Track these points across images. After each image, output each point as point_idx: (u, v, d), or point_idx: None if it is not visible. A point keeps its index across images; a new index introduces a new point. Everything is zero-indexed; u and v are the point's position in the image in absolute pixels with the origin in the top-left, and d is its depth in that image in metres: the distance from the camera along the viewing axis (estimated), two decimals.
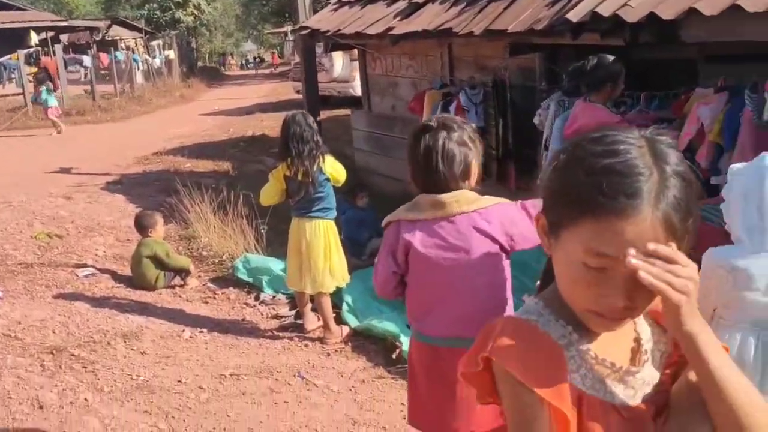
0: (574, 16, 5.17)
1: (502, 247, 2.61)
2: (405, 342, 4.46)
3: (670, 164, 1.17)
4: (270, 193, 4.77)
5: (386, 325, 4.67)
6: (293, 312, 5.24)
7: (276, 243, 6.39)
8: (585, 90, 4.81)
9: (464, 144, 2.58)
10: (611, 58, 4.70)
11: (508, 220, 2.62)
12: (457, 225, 2.58)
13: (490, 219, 2.59)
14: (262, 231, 6.47)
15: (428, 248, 2.59)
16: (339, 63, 16.49)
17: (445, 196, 2.57)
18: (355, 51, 13.61)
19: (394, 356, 4.36)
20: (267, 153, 11.78)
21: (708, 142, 4.63)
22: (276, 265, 5.90)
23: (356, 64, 15.12)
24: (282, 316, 5.25)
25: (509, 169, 6.67)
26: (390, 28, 7.23)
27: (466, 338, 2.45)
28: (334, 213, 4.81)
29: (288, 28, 29.89)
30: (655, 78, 6.80)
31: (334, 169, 4.72)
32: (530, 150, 6.64)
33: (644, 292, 1.16)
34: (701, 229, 3.58)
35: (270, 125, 14.48)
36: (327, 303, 4.76)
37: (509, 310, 2.67)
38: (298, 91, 17.09)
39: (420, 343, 2.71)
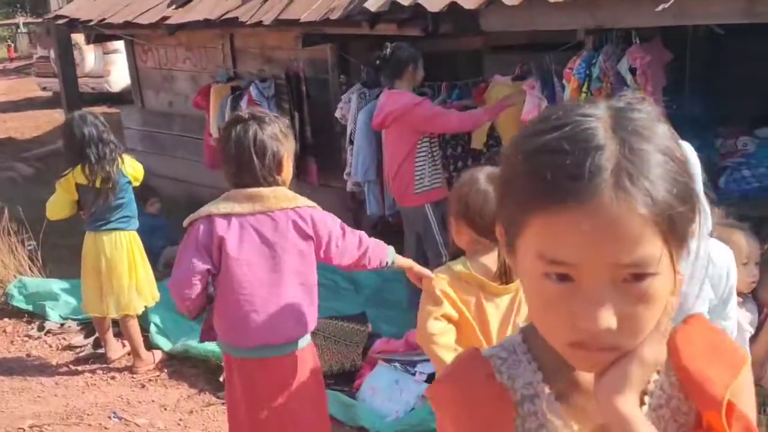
0: (373, 5, 5.05)
1: (316, 250, 2.61)
2: None
3: (641, 134, 0.85)
4: (59, 206, 4.11)
5: (205, 344, 4.23)
6: (90, 340, 4.60)
7: (53, 261, 5.61)
8: (387, 78, 4.71)
9: (276, 138, 2.54)
10: (406, 44, 4.67)
11: (323, 224, 2.61)
12: (276, 221, 2.52)
13: (308, 219, 2.58)
14: (30, 248, 5.64)
15: (246, 244, 2.51)
16: (91, 57, 15.07)
17: (264, 190, 2.51)
18: (109, 44, 12.66)
19: (221, 379, 3.95)
20: (17, 158, 10.47)
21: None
22: (58, 286, 5.17)
23: (111, 57, 14.07)
24: (76, 347, 4.59)
25: (310, 164, 6.43)
26: (166, 17, 6.66)
27: (280, 344, 2.55)
28: (137, 222, 4.26)
29: (21, 19, 27.01)
30: (444, 70, 6.92)
31: (134, 169, 4.19)
32: (331, 144, 6.47)
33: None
34: None
35: (15, 126, 12.94)
36: (135, 326, 4.23)
37: (314, 313, 2.68)
38: (44, 88, 15.45)
39: (237, 358, 2.59)
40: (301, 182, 6.55)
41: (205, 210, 2.55)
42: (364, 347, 4.12)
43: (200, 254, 2.49)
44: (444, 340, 2.14)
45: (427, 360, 3.71)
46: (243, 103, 6.30)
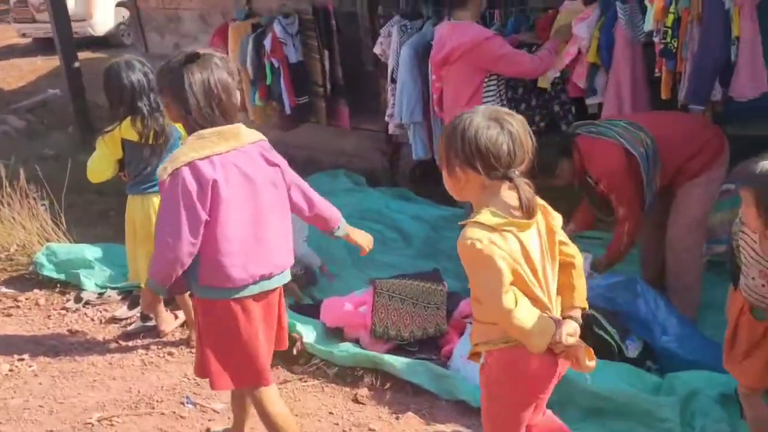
0: None
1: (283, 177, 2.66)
2: (305, 332, 3.71)
3: None
4: (103, 166, 3.63)
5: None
6: (136, 311, 4.20)
7: (78, 224, 5.15)
8: (449, 5, 4.21)
9: (233, 75, 2.54)
10: None
11: (278, 155, 2.66)
12: (249, 155, 2.55)
13: (269, 148, 2.63)
14: (43, 207, 5.16)
15: (231, 183, 2.48)
16: None
17: (233, 127, 2.53)
18: None
19: (295, 351, 3.59)
20: (7, 111, 9.86)
21: (586, 62, 4.31)
22: (91, 253, 4.73)
23: None
24: (121, 319, 4.19)
25: (341, 106, 5.96)
26: None
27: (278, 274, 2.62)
28: None
29: None
30: None
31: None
32: (363, 84, 5.99)
33: None
34: (596, 143, 3.15)
35: None
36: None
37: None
38: (23, 35, 14.64)
39: (236, 300, 2.55)
40: (331, 127, 6.13)
41: (183, 157, 2.45)
42: (447, 309, 3.75)
43: (193, 208, 2.42)
44: (522, 311, 2.07)
45: None
46: (267, 42, 5.79)
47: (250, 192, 2.52)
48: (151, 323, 4.00)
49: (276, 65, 5.83)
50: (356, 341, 3.76)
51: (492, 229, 2.03)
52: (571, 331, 2.15)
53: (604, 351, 3.24)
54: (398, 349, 3.65)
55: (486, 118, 2.07)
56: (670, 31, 3.98)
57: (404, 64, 5.04)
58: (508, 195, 2.09)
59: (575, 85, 4.45)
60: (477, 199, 2.13)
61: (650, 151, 3.51)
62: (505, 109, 2.14)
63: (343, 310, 3.79)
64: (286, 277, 2.70)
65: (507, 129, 2.04)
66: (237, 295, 2.53)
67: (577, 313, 2.23)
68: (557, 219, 2.21)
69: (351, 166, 6.46)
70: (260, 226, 2.55)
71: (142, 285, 3.85)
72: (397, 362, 3.46)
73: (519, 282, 2.08)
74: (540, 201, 2.16)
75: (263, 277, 2.56)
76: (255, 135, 2.61)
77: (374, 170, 6.26)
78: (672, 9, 3.94)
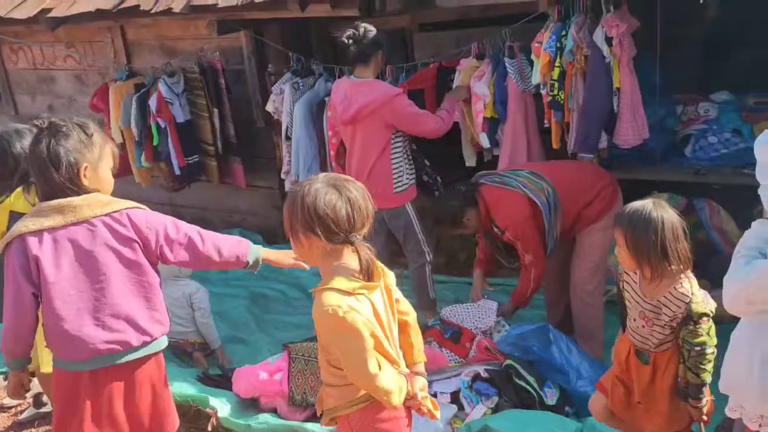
0: None
1: (146, 251, 2.56)
2: (219, 406, 3.54)
3: None
4: None
5: (182, 387, 3.65)
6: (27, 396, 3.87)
7: None
8: (353, 62, 4.21)
9: (74, 149, 2.47)
10: (367, 26, 4.20)
11: (145, 223, 2.55)
12: (93, 230, 2.48)
13: (126, 222, 2.52)
14: None
15: (63, 259, 2.45)
16: None
17: (75, 199, 2.47)
18: None
19: (210, 427, 3.41)
20: None
21: (485, 117, 4.44)
22: None
23: None
24: (9, 407, 3.84)
25: (235, 165, 5.84)
26: (46, 11, 5.81)
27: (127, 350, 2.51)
28: None
29: None
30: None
31: None
32: (255, 141, 5.90)
33: None
34: (501, 193, 3.29)
35: None
36: None
37: (157, 317, 2.61)
38: None
39: (72, 372, 2.51)
40: (225, 186, 6.00)
41: (15, 229, 2.46)
42: None
43: (18, 282, 2.42)
44: (386, 373, 2.16)
45: (446, 377, 3.37)
46: (152, 102, 5.62)
47: (88, 268, 2.48)
48: (47, 409, 3.71)
49: (163, 125, 5.67)
50: (274, 411, 3.63)
51: (348, 293, 2.09)
52: (422, 386, 2.31)
53: (526, 400, 3.28)
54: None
55: (325, 184, 2.13)
56: (556, 84, 4.18)
57: (299, 121, 5.03)
58: (350, 259, 2.16)
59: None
60: (322, 265, 2.19)
61: (551, 200, 3.64)
62: (345, 176, 2.22)
63: (258, 379, 3.66)
64: (144, 351, 2.59)
65: (345, 195, 2.11)
66: (73, 369, 2.51)
67: (422, 368, 2.38)
68: (391, 277, 2.30)
69: (246, 224, 6.33)
70: (100, 302, 2.49)
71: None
72: (320, 430, 3.36)
73: (376, 343, 2.15)
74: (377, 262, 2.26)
75: (100, 353, 2.49)
76: (108, 206, 2.52)
77: (270, 227, 6.16)
78: (557, 63, 4.15)
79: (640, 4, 4.18)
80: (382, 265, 2.27)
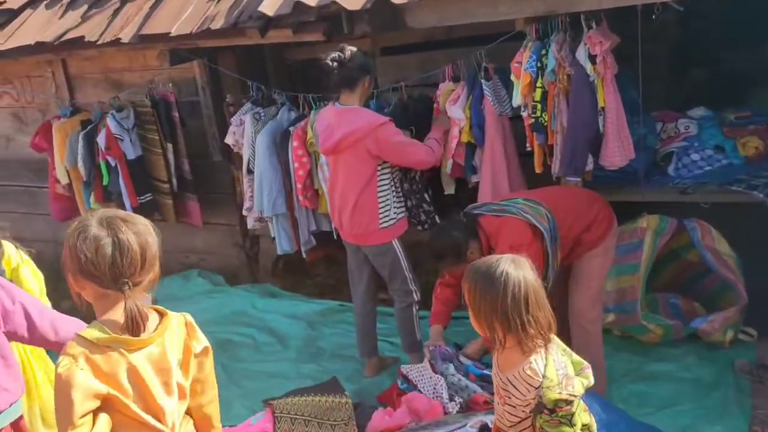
0: (270, 8, 4.29)
1: None
2: None
3: None
4: None
5: None
6: None
7: None
8: (338, 86, 3.93)
9: None
10: (353, 48, 3.94)
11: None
12: None
13: None
14: None
15: None
16: None
17: None
18: None
19: None
20: None
21: (460, 143, 4.21)
22: None
23: None
24: None
25: (189, 203, 5.48)
26: None
27: None
28: None
29: None
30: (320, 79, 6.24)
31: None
32: (212, 176, 5.56)
33: None
34: (502, 221, 2.92)
35: None
36: None
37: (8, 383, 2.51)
38: None
39: None
40: (182, 225, 5.62)
41: None
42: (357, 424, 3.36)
43: None
44: None
45: (449, 429, 3.08)
46: (100, 139, 5.28)
47: None
48: None
49: (113, 163, 5.30)
50: None
51: (93, 345, 1.88)
52: None
53: None
54: None
55: (97, 221, 1.91)
56: (539, 105, 3.98)
57: (262, 153, 4.72)
58: (120, 309, 1.92)
59: (457, 165, 4.34)
60: (96, 310, 1.97)
61: (552, 226, 3.42)
62: (129, 215, 1.97)
63: None
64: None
65: (115, 236, 1.88)
66: None
67: None
68: (201, 343, 2.05)
69: (205, 264, 5.95)
70: None
71: None
72: None
73: (120, 408, 1.91)
74: (188, 319, 2.06)
75: None
76: None
77: (232, 267, 5.81)
78: (539, 83, 3.95)
79: (616, 21, 4.02)
80: (195, 326, 2.05)
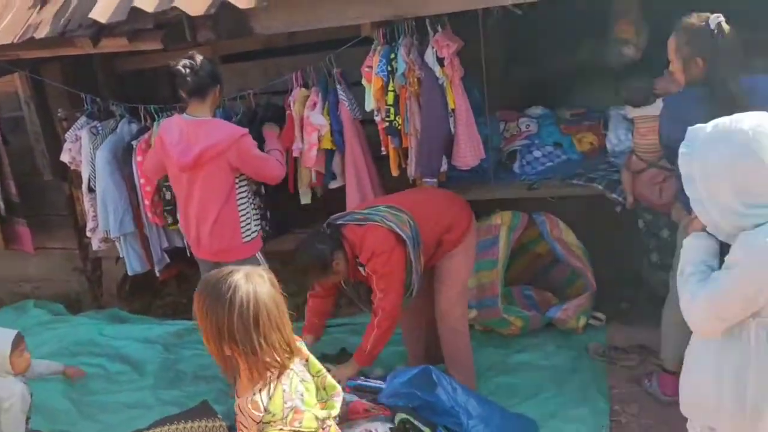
0: (102, 14, 4.00)
1: None
2: None
3: None
4: None
5: None
6: None
7: None
8: (189, 95, 3.71)
9: None
10: (201, 57, 3.76)
11: None
12: None
13: None
14: None
15: None
16: None
17: None
18: None
19: None
20: None
21: (320, 150, 4.15)
22: None
23: None
24: None
25: (18, 228, 5.03)
26: None
27: None
28: None
29: None
30: (151, 89, 5.95)
31: None
32: (42, 198, 5.13)
33: None
34: (366, 229, 2.97)
35: None
36: None
37: None
38: None
39: None
40: (11, 252, 5.16)
41: None
42: None
43: None
44: None
45: None
46: None
47: None
48: None
49: None
50: None
51: None
52: None
53: None
54: None
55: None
56: (392, 109, 4.00)
57: (103, 170, 4.42)
58: None
59: (318, 173, 4.27)
60: None
61: (414, 232, 3.43)
62: None
63: None
64: None
65: None
66: None
67: None
68: None
69: (41, 293, 5.49)
70: None
71: None
72: None
73: None
74: None
75: None
76: None
77: (72, 294, 5.41)
78: (390, 87, 3.97)
79: (458, 25, 4.13)
80: None
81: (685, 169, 2.00)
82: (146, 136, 4.40)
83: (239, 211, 3.73)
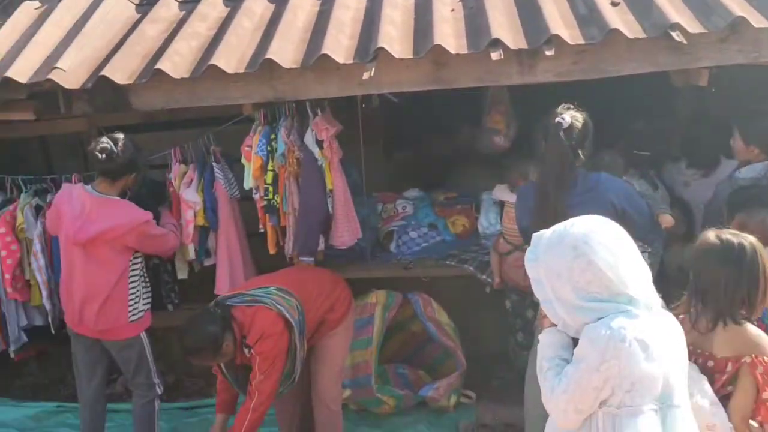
0: None
1: None
2: None
3: None
4: None
5: None
6: None
7: None
8: (102, 176, 3.69)
9: None
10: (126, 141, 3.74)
11: None
12: None
13: None
14: None
15: None
16: None
17: None
18: None
19: None
20: None
21: (196, 226, 4.12)
22: None
23: None
24: None
25: None
26: None
27: None
28: None
29: None
30: (35, 160, 5.77)
31: None
32: None
33: None
34: (255, 311, 2.97)
35: None
36: None
37: None
38: None
39: None
40: None
41: None
42: None
43: None
44: None
45: None
46: None
47: None
48: None
49: None
50: None
51: None
52: None
53: None
54: None
55: None
56: (271, 188, 4.06)
57: None
58: None
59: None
60: None
61: (300, 318, 3.44)
62: None
63: None
64: None
65: None
66: None
67: None
68: None
69: None
70: None
71: None
72: None
73: None
74: None
75: None
76: None
77: None
78: (270, 167, 4.03)
79: (338, 108, 4.26)
80: None
81: (532, 273, 2.14)
82: (11, 207, 4.24)
83: (129, 290, 3.68)
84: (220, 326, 3.29)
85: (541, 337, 2.26)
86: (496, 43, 3.24)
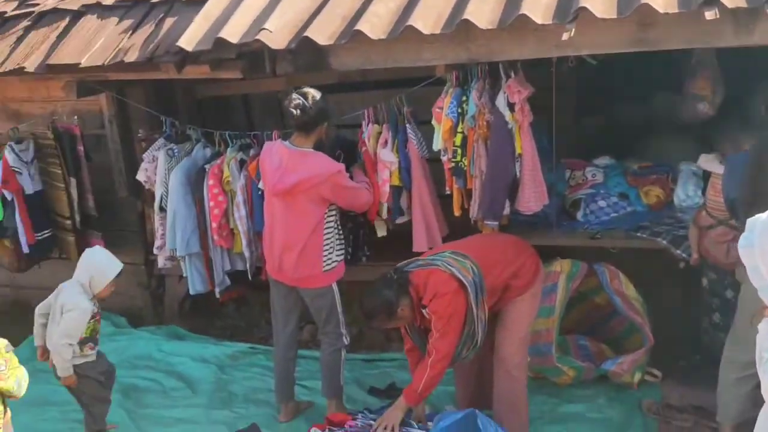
0: (189, 43, 4.18)
1: None
2: None
3: None
4: None
5: None
6: None
7: None
8: (297, 130, 3.85)
9: None
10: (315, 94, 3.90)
11: None
12: None
13: None
14: None
15: None
16: None
17: None
18: None
19: None
20: None
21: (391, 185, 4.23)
22: None
23: None
24: None
25: (93, 240, 5.22)
26: None
27: None
28: None
29: None
30: (236, 117, 6.20)
31: None
32: (117, 214, 5.34)
33: None
34: (429, 272, 2.96)
35: None
36: None
37: None
38: None
39: None
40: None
41: None
42: None
43: None
44: None
45: None
46: None
47: None
48: None
49: (9, 198, 4.99)
50: None
51: None
52: None
53: None
54: None
55: None
56: (459, 150, 4.06)
57: (175, 191, 4.58)
58: None
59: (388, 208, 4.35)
60: None
61: (477, 279, 3.45)
62: None
63: None
64: None
65: None
66: None
67: None
68: None
69: (106, 305, 5.61)
70: None
71: None
72: None
73: None
74: None
75: None
76: None
77: (135, 308, 5.56)
78: (459, 129, 4.04)
79: (531, 71, 4.17)
80: None
81: (748, 260, 1.99)
82: (219, 161, 4.55)
83: (324, 240, 3.85)
84: (396, 292, 3.38)
85: (761, 326, 2.11)
86: (711, 1, 3.02)
